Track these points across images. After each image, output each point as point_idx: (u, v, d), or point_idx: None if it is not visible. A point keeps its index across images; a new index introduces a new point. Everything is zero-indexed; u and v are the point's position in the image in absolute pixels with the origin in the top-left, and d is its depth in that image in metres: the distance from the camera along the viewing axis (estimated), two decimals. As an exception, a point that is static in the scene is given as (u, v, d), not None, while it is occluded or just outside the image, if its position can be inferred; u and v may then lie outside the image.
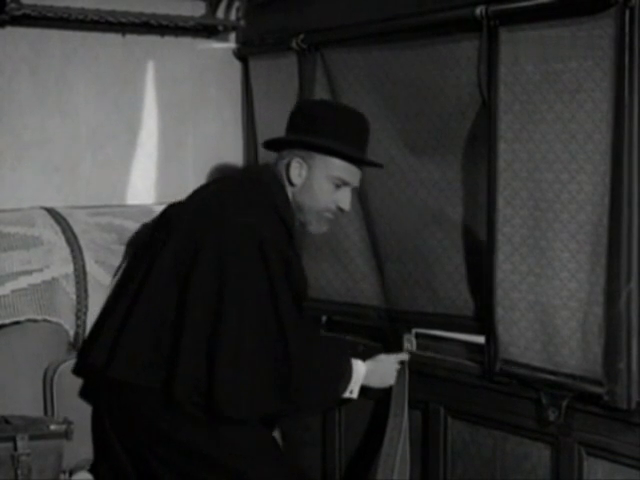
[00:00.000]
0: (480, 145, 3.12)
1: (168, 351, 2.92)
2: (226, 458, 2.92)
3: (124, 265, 3.37)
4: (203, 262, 2.92)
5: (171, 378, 2.88)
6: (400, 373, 3.43)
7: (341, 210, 3.12)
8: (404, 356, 3.31)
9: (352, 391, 3.12)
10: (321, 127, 3.05)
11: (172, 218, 3.10)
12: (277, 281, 2.92)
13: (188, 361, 2.87)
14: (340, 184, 3.07)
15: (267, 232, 2.94)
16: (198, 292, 2.92)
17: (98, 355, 3.07)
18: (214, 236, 2.95)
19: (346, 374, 3.12)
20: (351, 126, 3.09)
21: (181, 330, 2.90)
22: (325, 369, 3.07)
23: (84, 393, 3.28)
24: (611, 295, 2.77)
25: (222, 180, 3.40)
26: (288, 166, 3.08)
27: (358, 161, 3.09)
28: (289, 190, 3.09)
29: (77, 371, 3.27)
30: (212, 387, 2.84)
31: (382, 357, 3.31)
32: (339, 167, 3.06)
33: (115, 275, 3.37)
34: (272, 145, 3.20)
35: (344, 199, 3.09)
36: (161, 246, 3.04)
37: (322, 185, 3.06)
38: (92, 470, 3.25)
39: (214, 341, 2.86)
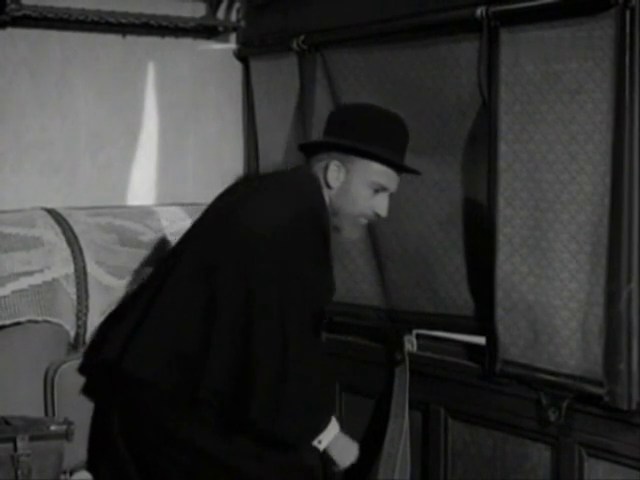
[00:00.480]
0: (480, 145, 3.12)
1: (191, 351, 2.86)
2: (233, 459, 2.90)
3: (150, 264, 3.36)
4: (230, 267, 2.86)
5: (196, 379, 2.82)
6: (401, 374, 3.44)
7: (378, 216, 3.04)
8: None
9: (320, 441, 2.94)
10: (362, 131, 2.97)
11: (204, 217, 3.06)
12: (298, 294, 2.86)
13: (216, 366, 2.82)
14: (379, 189, 2.99)
15: (298, 239, 2.88)
16: (226, 296, 2.85)
17: (110, 350, 3.01)
18: (240, 241, 2.87)
19: (327, 416, 3.01)
20: (392, 131, 3.01)
21: (209, 332, 2.84)
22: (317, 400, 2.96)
23: (85, 394, 3.28)
24: (611, 295, 2.77)
25: (256, 180, 3.34)
26: (326, 169, 2.99)
27: (398, 167, 3.01)
28: (325, 194, 3.01)
29: (79, 371, 3.26)
30: (251, 404, 2.79)
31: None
32: (379, 172, 2.97)
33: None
34: (306, 147, 3.14)
35: (381, 205, 3.00)
36: (187, 246, 3.00)
37: (360, 190, 2.98)
38: (90, 469, 3.24)
39: (248, 355, 2.82)
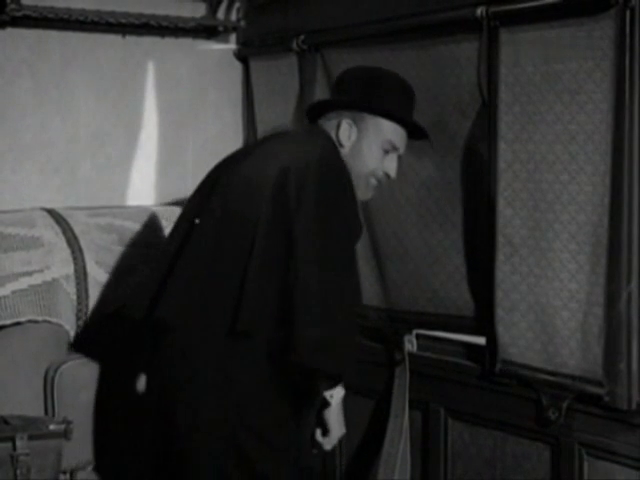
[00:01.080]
0: (480, 146, 3.12)
1: (227, 289, 2.77)
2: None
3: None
4: (266, 199, 2.79)
5: (233, 314, 2.73)
6: (401, 374, 3.44)
7: (388, 176, 2.99)
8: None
9: (332, 395, 2.87)
10: (373, 89, 2.95)
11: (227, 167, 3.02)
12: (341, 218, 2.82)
13: (252, 296, 2.74)
14: (389, 149, 2.96)
15: (331, 175, 2.85)
16: (264, 225, 2.78)
17: (139, 307, 2.93)
18: (275, 175, 2.81)
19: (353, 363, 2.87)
20: (401, 90, 2.99)
21: (245, 267, 2.76)
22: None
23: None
24: (611, 296, 2.77)
25: (274, 136, 3.24)
26: (338, 127, 2.95)
27: (410, 124, 2.99)
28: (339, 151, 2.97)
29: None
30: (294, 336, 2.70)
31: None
32: (391, 130, 2.95)
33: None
34: (313, 110, 3.08)
35: (391, 165, 2.98)
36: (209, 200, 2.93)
37: (372, 148, 2.94)
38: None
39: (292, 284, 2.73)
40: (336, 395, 2.86)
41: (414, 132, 3.01)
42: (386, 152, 2.96)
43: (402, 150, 3.00)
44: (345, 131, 2.94)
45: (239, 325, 2.72)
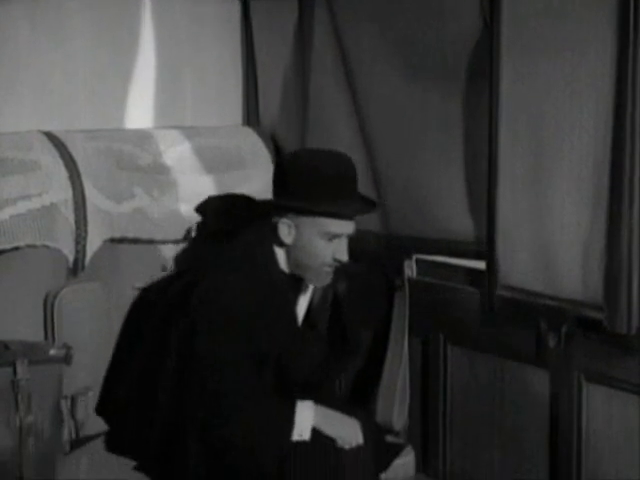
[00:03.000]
0: (482, 77, 3.08)
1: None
2: None
3: None
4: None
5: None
6: (400, 300, 3.44)
7: (339, 261, 2.99)
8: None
9: (301, 434, 2.88)
10: (305, 187, 2.93)
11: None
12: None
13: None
14: (332, 237, 2.96)
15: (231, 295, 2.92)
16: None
17: None
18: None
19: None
20: (334, 179, 2.95)
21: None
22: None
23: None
24: (613, 220, 2.74)
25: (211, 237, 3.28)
26: (275, 227, 2.98)
27: (345, 216, 2.97)
28: (283, 248, 3.01)
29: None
30: None
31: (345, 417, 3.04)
32: (327, 223, 2.94)
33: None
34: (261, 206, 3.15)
35: (340, 250, 2.98)
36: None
37: (314, 242, 2.96)
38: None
39: None
40: (304, 432, 2.88)
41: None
42: (330, 240, 2.96)
43: (349, 231, 2.98)
44: (284, 230, 2.96)
45: None
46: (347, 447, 2.92)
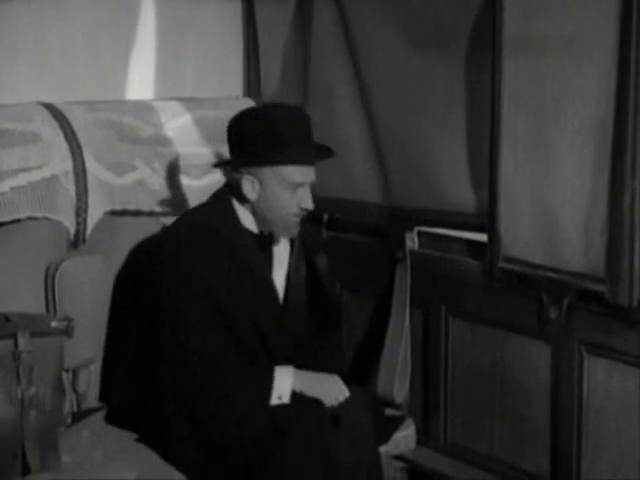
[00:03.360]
0: (484, 41, 3.06)
1: None
2: None
3: None
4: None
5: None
6: (402, 272, 3.43)
7: (305, 210, 3.02)
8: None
9: (280, 397, 2.92)
10: (257, 140, 2.95)
11: None
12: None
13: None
14: (296, 187, 2.98)
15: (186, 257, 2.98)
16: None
17: None
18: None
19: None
20: (288, 126, 2.97)
21: None
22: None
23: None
24: (615, 192, 2.74)
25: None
26: (239, 185, 2.99)
27: (308, 161, 3.00)
28: (248, 206, 3.03)
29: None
30: None
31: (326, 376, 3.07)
32: (289, 172, 2.96)
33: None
34: (222, 166, 3.22)
35: (305, 198, 2.99)
36: None
37: (278, 194, 2.97)
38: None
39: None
40: (284, 394, 2.92)
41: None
42: (294, 190, 2.97)
43: (311, 179, 3.01)
44: (247, 187, 2.98)
45: None
46: (335, 404, 2.95)
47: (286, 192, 2.97)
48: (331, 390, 2.98)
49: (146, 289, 3.08)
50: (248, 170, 2.97)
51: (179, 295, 2.93)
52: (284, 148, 2.94)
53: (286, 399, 2.92)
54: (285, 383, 2.93)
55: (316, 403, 2.94)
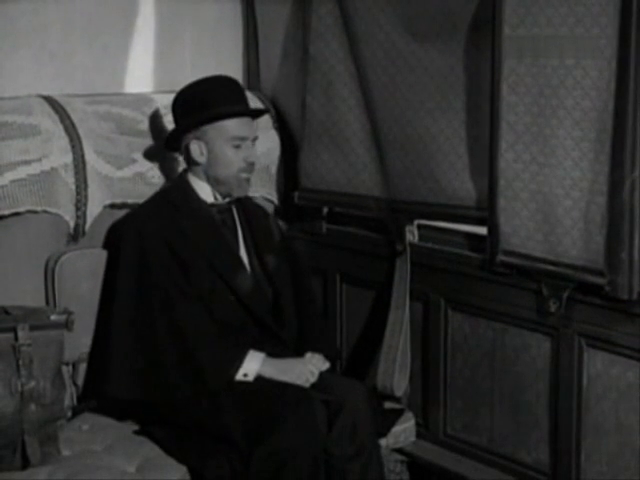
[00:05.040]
0: (484, 30, 3.06)
1: None
2: None
3: None
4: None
5: None
6: (401, 265, 3.43)
7: (252, 164, 3.27)
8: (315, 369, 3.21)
9: (246, 374, 3.10)
10: (195, 104, 3.23)
11: None
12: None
13: None
14: (240, 143, 3.23)
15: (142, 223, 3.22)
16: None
17: None
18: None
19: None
20: (222, 87, 3.27)
21: None
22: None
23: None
24: (615, 184, 2.74)
25: None
26: (187, 151, 3.26)
27: (243, 113, 3.28)
28: (200, 170, 3.26)
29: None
30: None
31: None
32: (231, 127, 3.23)
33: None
34: (172, 142, 3.34)
35: (249, 153, 3.25)
36: None
37: (225, 151, 3.23)
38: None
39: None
40: (250, 373, 3.09)
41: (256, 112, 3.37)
42: (238, 146, 3.24)
43: (254, 134, 3.29)
44: (195, 151, 3.25)
45: None
46: (307, 385, 3.11)
47: (231, 149, 3.23)
48: (300, 373, 3.13)
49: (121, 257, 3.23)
50: (194, 135, 3.23)
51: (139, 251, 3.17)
52: (220, 104, 3.22)
53: (250, 378, 3.09)
54: (253, 365, 3.10)
55: (305, 391, 3.07)
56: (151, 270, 3.14)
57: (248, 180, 3.29)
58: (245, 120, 3.27)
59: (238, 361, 3.09)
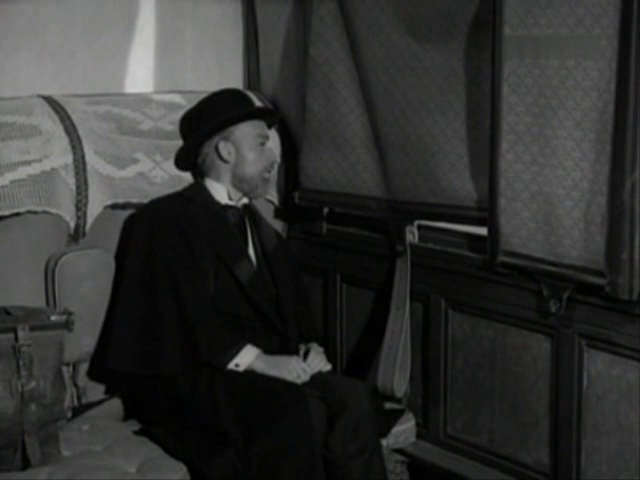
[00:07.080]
0: (484, 31, 3.05)
1: None
2: None
3: None
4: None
5: None
6: (402, 265, 3.43)
7: (273, 163, 3.47)
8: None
9: (238, 365, 3.17)
10: (216, 109, 3.36)
11: None
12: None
13: None
14: (263, 141, 3.40)
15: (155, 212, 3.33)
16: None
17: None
18: None
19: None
20: (232, 95, 3.45)
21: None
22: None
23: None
24: (615, 185, 2.74)
25: None
26: (217, 150, 3.36)
27: (268, 111, 3.55)
28: (225, 170, 3.37)
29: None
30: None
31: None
32: (255, 126, 3.39)
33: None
34: (194, 149, 3.41)
35: (270, 153, 3.45)
36: None
37: (252, 149, 3.37)
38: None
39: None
40: (242, 364, 3.16)
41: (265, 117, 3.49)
42: (262, 144, 3.40)
43: (267, 133, 3.46)
44: (223, 150, 3.36)
45: None
46: (298, 382, 3.17)
47: (257, 147, 3.37)
48: (292, 369, 3.19)
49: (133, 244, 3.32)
50: (221, 136, 3.35)
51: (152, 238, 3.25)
52: (240, 107, 3.38)
53: (241, 369, 3.16)
54: (247, 358, 3.17)
55: (301, 390, 3.10)
56: (160, 253, 3.22)
57: (269, 180, 3.48)
58: (261, 122, 3.42)
59: (235, 350, 3.17)
